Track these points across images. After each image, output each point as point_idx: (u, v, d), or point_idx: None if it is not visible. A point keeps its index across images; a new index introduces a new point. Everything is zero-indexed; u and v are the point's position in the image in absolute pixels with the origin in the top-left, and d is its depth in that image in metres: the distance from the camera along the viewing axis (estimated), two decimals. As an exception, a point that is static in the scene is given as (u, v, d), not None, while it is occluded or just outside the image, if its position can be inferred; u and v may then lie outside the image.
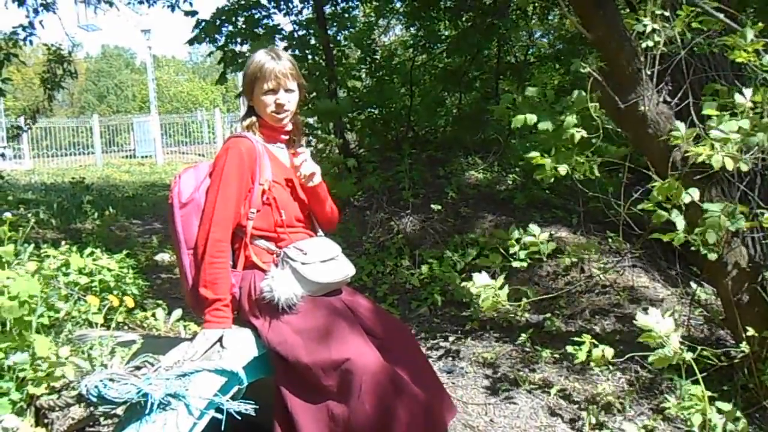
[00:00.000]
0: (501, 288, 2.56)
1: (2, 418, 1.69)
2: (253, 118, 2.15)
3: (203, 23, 5.49)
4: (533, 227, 2.66)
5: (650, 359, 2.11)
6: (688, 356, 2.07)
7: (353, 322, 2.01)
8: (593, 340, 2.51)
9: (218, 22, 5.48)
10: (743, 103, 2.15)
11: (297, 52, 5.54)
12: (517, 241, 2.74)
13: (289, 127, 2.19)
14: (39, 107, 7.25)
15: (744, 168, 2.16)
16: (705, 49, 2.70)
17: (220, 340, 1.89)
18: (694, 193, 2.25)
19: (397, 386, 1.88)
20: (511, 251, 2.76)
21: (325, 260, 2.06)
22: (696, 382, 2.24)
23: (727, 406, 2.17)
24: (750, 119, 2.12)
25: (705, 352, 2.31)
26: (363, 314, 2.10)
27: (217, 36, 5.55)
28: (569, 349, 2.53)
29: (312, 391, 1.88)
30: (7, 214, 2.22)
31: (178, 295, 4.10)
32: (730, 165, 2.11)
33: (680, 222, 2.28)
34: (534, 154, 2.61)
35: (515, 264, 2.79)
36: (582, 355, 2.48)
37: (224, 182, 2.01)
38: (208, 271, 1.93)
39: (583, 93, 2.57)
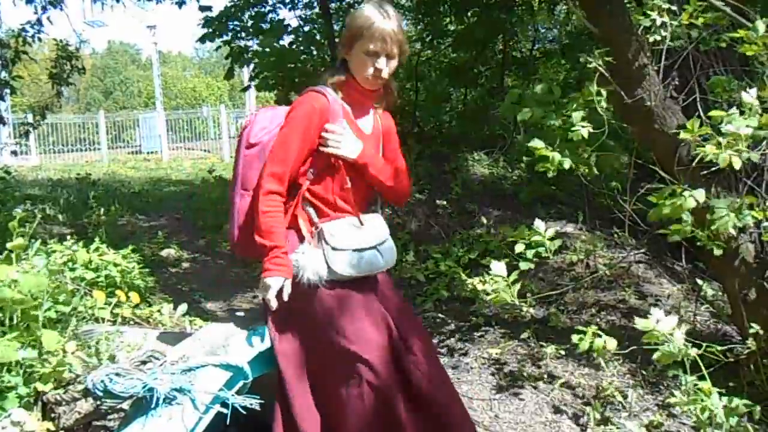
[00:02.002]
0: (514, 283, 2.56)
1: (10, 412, 1.70)
2: (342, 77, 2.00)
3: (210, 20, 5.52)
4: (538, 223, 2.65)
5: (655, 356, 2.10)
6: (693, 352, 2.06)
7: (375, 320, 1.96)
8: (597, 331, 2.50)
9: (225, 19, 5.50)
10: (750, 102, 2.13)
11: (302, 47, 5.55)
12: (523, 240, 2.72)
13: (380, 94, 2.08)
14: (48, 104, 7.28)
15: (755, 158, 2.15)
16: (712, 43, 2.69)
17: (281, 289, 1.86)
18: (699, 196, 2.22)
19: (396, 405, 1.89)
20: (518, 250, 2.74)
21: (361, 249, 1.96)
22: (702, 377, 2.24)
23: (735, 401, 2.16)
24: (759, 117, 2.11)
25: (710, 349, 2.30)
26: (389, 312, 2.03)
27: (224, 34, 5.58)
28: (573, 338, 2.52)
29: (313, 379, 1.92)
30: (17, 210, 2.23)
31: (185, 289, 4.12)
32: (737, 164, 2.09)
33: (686, 215, 2.26)
34: (539, 144, 2.59)
35: (522, 265, 2.77)
36: (584, 345, 2.47)
37: (288, 134, 1.94)
38: (262, 220, 1.89)
39: (591, 86, 2.56)
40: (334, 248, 1.92)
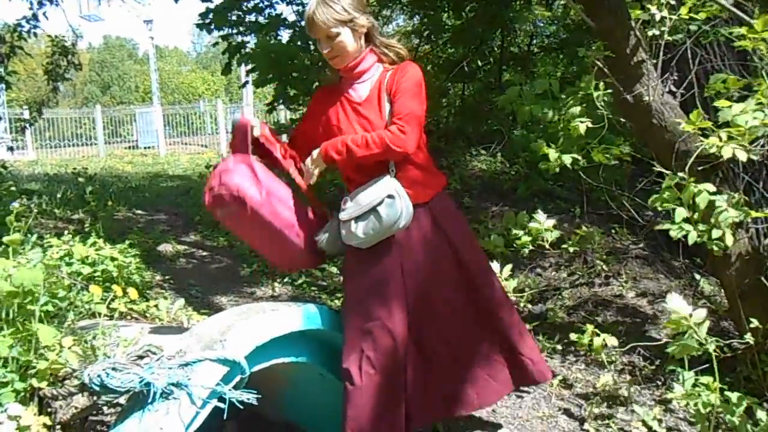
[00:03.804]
0: (507, 279, 2.57)
1: (6, 407, 1.69)
2: None
3: (211, 12, 5.48)
4: (540, 216, 2.66)
5: (671, 349, 2.10)
6: (712, 347, 2.07)
7: (385, 299, 1.99)
8: (596, 330, 2.51)
9: (224, 9, 5.46)
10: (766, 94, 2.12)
11: (300, 42, 5.52)
12: (522, 227, 2.73)
13: (367, 63, 2.07)
14: (44, 100, 7.23)
15: (754, 156, 2.15)
16: (710, 38, 2.68)
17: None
18: (709, 189, 2.21)
19: (394, 394, 1.99)
20: (514, 237, 2.75)
21: (361, 215, 1.96)
22: (700, 372, 2.24)
23: (738, 397, 2.16)
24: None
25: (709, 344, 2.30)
26: (415, 285, 2.03)
27: (225, 27, 5.54)
28: (572, 336, 2.53)
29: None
30: (14, 205, 2.22)
31: (182, 284, 4.11)
32: (743, 156, 2.09)
33: (681, 213, 2.24)
34: (540, 143, 2.60)
35: (520, 248, 2.78)
36: (584, 341, 2.47)
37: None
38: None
39: (589, 79, 2.56)
40: (342, 220, 2.00)
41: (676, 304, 2.05)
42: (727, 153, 2.08)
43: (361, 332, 1.97)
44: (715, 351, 2.07)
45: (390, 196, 1.94)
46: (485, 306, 2.16)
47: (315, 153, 2.05)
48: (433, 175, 2.15)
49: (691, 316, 2.04)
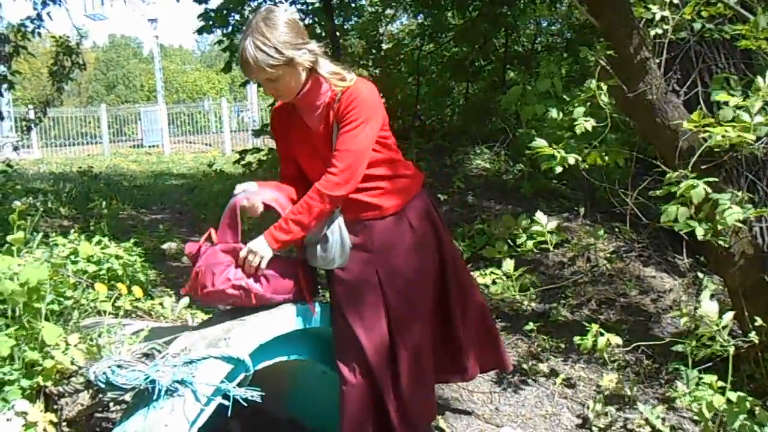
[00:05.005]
0: (518, 279, 2.60)
1: (13, 404, 1.71)
2: None
3: (211, 13, 5.50)
4: (540, 215, 2.66)
5: (696, 353, 2.14)
6: (732, 350, 2.10)
7: (362, 317, 2.04)
8: (600, 329, 2.51)
9: (225, 12, 5.48)
10: (762, 85, 2.11)
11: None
12: (524, 230, 2.73)
13: (315, 92, 1.97)
14: (48, 100, 7.24)
15: (758, 153, 2.15)
16: (713, 35, 2.68)
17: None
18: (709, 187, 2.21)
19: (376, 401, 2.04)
20: (519, 242, 2.76)
21: (313, 242, 2.01)
22: (703, 371, 2.25)
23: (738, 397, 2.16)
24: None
25: (711, 342, 2.30)
26: (392, 292, 2.05)
27: (224, 27, 5.56)
28: (575, 340, 2.54)
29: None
30: (17, 203, 2.23)
31: (185, 283, 4.12)
32: (751, 138, 2.08)
33: (682, 212, 2.24)
34: (542, 143, 2.59)
35: (522, 250, 2.79)
36: (588, 344, 2.48)
37: None
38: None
39: (593, 82, 2.56)
40: (306, 245, 2.05)
41: (709, 308, 2.10)
42: (736, 139, 2.07)
43: (345, 337, 2.04)
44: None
45: (325, 238, 1.99)
46: (467, 296, 2.29)
47: (257, 244, 1.93)
48: (403, 182, 2.11)
49: (721, 319, 2.09)
